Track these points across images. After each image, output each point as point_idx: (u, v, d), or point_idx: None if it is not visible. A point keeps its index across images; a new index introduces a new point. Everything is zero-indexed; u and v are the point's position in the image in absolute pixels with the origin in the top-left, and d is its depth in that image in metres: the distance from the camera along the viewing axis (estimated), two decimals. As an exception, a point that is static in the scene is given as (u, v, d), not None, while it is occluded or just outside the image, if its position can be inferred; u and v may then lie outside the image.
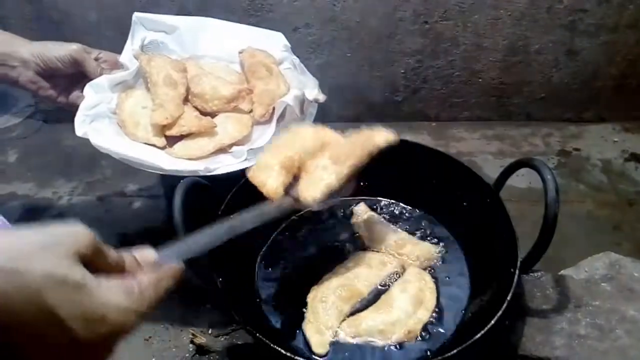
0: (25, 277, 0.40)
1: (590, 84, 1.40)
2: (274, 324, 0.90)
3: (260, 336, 0.75)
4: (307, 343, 0.85)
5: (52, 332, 0.41)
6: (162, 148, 0.95)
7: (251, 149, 0.95)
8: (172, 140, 0.97)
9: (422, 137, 1.45)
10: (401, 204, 1.09)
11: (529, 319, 0.87)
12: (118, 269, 0.49)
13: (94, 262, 0.46)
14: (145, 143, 0.95)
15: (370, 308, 0.89)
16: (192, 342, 0.96)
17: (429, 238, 1.02)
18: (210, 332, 0.98)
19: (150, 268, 0.52)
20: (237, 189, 0.95)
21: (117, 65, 1.02)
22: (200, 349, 0.95)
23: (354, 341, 0.85)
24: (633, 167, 1.32)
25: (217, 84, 1.02)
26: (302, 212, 1.07)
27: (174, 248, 0.57)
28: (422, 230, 1.04)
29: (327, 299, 0.89)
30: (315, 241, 1.04)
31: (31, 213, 1.29)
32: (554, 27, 1.31)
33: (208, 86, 1.01)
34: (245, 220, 0.70)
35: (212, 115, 1.02)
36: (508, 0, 1.27)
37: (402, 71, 1.41)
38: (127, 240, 1.19)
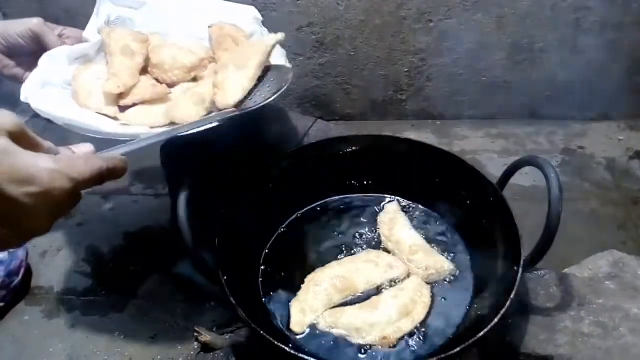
0: None
1: (595, 82, 1.39)
2: (279, 321, 0.90)
3: (265, 334, 0.75)
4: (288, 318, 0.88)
5: None
6: (114, 118, 0.92)
7: (204, 117, 0.89)
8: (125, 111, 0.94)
9: (426, 135, 1.45)
10: (406, 201, 1.09)
11: (532, 317, 0.87)
12: (47, 152, 0.53)
13: (20, 142, 0.48)
14: (98, 113, 0.92)
15: (357, 305, 0.89)
16: (196, 339, 0.96)
17: (435, 243, 1.01)
18: (214, 329, 0.98)
19: (84, 154, 0.57)
20: (241, 189, 0.96)
21: (81, 41, 1.00)
22: (205, 347, 0.95)
23: (330, 331, 0.86)
24: (638, 166, 1.32)
25: (178, 53, 0.98)
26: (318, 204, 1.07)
27: (117, 148, 0.63)
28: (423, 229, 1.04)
29: (321, 284, 0.90)
30: (334, 234, 1.04)
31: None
32: (558, 25, 1.31)
33: (168, 56, 0.97)
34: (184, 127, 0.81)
35: (173, 86, 0.98)
36: (512, -1, 1.28)
37: (406, 70, 1.41)
38: (132, 238, 1.19)
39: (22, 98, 0.87)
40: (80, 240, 1.20)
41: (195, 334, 0.96)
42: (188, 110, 0.88)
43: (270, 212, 1.04)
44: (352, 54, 1.39)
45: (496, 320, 0.73)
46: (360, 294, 0.91)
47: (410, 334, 0.85)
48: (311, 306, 0.88)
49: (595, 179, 1.29)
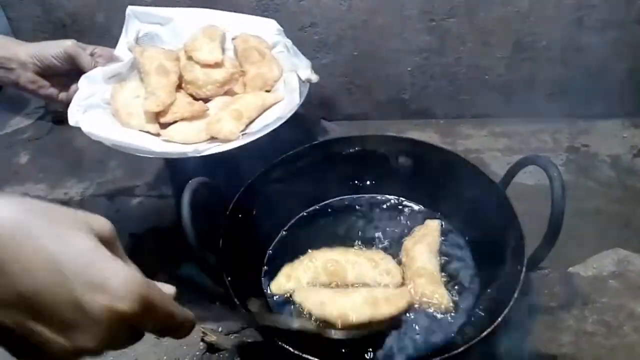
0: (33, 231, 0.41)
1: (599, 79, 1.39)
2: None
3: (269, 334, 0.76)
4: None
5: (54, 288, 0.41)
6: (157, 135, 0.97)
7: (245, 133, 0.96)
8: (166, 127, 0.99)
9: (429, 135, 1.45)
10: (407, 201, 1.10)
11: (536, 316, 0.87)
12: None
13: (108, 247, 0.46)
14: (140, 130, 0.96)
15: (334, 289, 0.90)
16: (202, 340, 0.97)
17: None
18: (220, 330, 0.99)
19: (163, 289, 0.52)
20: (245, 190, 0.96)
21: (112, 59, 1.04)
22: (211, 347, 0.96)
23: (300, 303, 0.88)
24: (642, 163, 1.32)
25: (209, 69, 1.02)
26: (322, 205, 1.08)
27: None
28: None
29: (315, 261, 0.93)
30: (337, 235, 1.04)
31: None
32: (561, 23, 1.30)
33: (200, 72, 1.02)
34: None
35: (207, 100, 1.03)
36: (514, -3, 1.27)
37: (409, 69, 1.41)
38: (136, 239, 1.20)
39: (72, 123, 0.92)
40: (85, 241, 1.21)
41: (201, 335, 0.97)
42: (229, 125, 0.94)
43: (274, 213, 1.04)
44: (355, 53, 1.39)
45: (500, 319, 0.74)
46: (346, 285, 0.91)
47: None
48: (297, 276, 0.91)
49: (599, 177, 1.29)
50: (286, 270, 0.94)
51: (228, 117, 0.95)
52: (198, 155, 0.91)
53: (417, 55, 1.38)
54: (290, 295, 0.90)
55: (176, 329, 0.51)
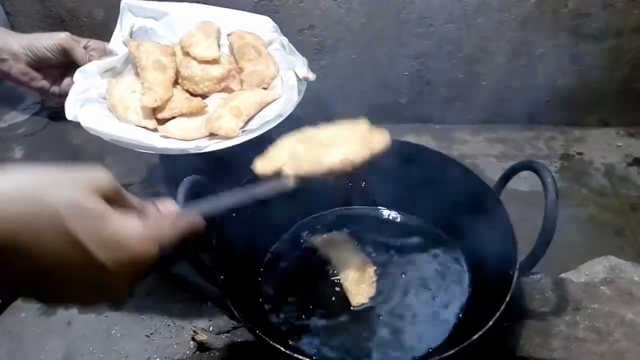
0: (47, 203, 0.43)
1: (595, 88, 1.40)
2: (275, 322, 0.90)
3: (260, 334, 0.75)
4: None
5: (74, 257, 0.44)
6: (154, 130, 0.96)
7: (244, 130, 0.96)
8: (164, 123, 0.98)
9: (425, 139, 1.46)
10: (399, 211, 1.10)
11: (527, 321, 0.87)
12: (137, 211, 0.53)
13: (113, 202, 0.50)
14: (137, 126, 0.96)
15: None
16: (193, 339, 0.97)
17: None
18: (211, 329, 0.99)
19: (170, 215, 0.57)
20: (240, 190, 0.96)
21: (106, 53, 1.03)
22: (202, 346, 0.95)
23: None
24: (636, 172, 1.32)
25: (206, 65, 1.02)
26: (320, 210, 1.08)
27: (197, 205, 0.63)
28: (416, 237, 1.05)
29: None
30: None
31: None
32: (558, 31, 1.31)
33: (197, 68, 1.01)
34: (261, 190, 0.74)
35: (204, 97, 1.03)
36: (512, 4, 1.28)
37: (406, 73, 1.41)
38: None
39: (70, 117, 0.92)
40: (79, 238, 1.20)
41: (192, 333, 0.97)
42: (229, 123, 0.93)
43: (269, 214, 1.04)
44: (353, 57, 1.40)
45: (491, 323, 0.74)
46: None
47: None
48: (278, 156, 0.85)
49: (593, 185, 1.29)
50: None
51: (227, 114, 0.95)
52: (199, 151, 0.91)
53: (414, 60, 1.39)
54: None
55: (189, 238, 0.57)
